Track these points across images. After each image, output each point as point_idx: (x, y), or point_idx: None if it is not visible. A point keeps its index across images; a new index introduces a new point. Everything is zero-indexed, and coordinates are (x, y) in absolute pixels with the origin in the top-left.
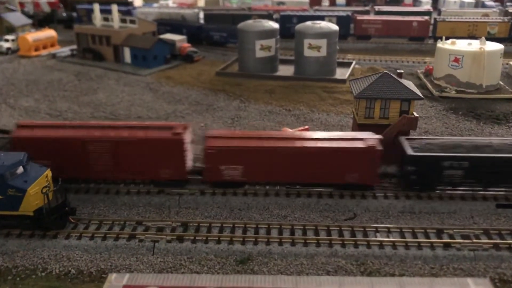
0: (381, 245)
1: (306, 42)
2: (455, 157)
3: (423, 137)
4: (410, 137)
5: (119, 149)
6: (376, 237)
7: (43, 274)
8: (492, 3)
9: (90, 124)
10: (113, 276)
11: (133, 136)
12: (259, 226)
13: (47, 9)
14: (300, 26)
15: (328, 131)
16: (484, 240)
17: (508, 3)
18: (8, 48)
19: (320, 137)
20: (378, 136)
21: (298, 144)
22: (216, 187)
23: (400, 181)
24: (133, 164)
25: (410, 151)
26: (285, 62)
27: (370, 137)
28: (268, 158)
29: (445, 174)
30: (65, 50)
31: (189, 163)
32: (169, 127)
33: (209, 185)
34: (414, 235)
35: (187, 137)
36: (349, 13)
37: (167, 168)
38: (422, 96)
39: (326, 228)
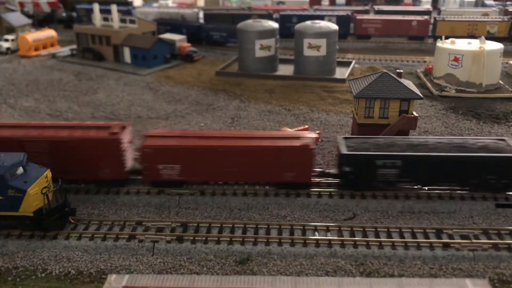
0: (380, 245)
1: (306, 41)
2: (388, 156)
3: (361, 136)
4: (348, 136)
5: (58, 149)
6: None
7: (43, 275)
8: (492, 2)
9: (31, 124)
10: (112, 277)
11: (70, 136)
12: (258, 226)
13: (47, 9)
14: (299, 26)
15: (328, 131)
16: (484, 240)
17: (508, 2)
18: (8, 48)
19: (257, 136)
20: (314, 135)
21: (235, 143)
22: (155, 187)
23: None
24: (72, 164)
25: (344, 150)
26: (285, 61)
27: (306, 136)
28: (205, 157)
29: (380, 173)
30: (65, 50)
31: (129, 162)
32: (107, 126)
33: (148, 185)
34: (414, 235)
35: (125, 136)
36: (349, 13)
37: (106, 168)
38: (422, 96)
39: (325, 228)
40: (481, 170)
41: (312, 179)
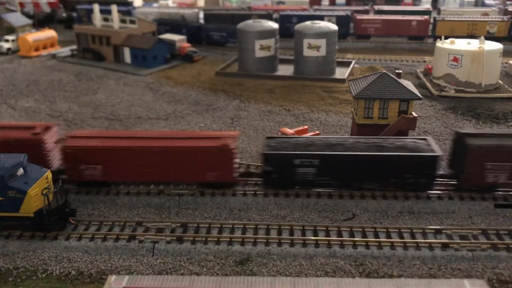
0: (379, 245)
1: (306, 41)
2: (304, 155)
3: (284, 136)
4: (272, 136)
5: None
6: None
7: (43, 275)
8: (491, 2)
9: None
10: (112, 278)
11: None
12: (258, 226)
13: (47, 9)
14: (299, 26)
15: (327, 131)
16: (482, 240)
17: (508, 2)
18: (8, 49)
19: (178, 136)
20: (235, 134)
21: (154, 143)
22: (80, 187)
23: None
24: None
25: (264, 150)
26: (284, 61)
27: (227, 136)
28: (125, 158)
29: (298, 172)
30: (65, 50)
31: (56, 163)
32: (30, 127)
33: (74, 185)
34: (413, 236)
35: (49, 137)
36: (349, 13)
37: None
38: (421, 96)
39: (325, 228)
40: (398, 169)
41: (236, 178)
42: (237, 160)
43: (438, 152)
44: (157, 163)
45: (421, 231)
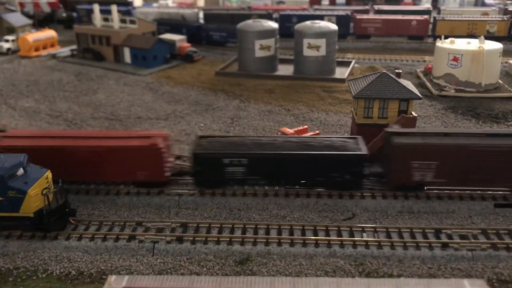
0: (379, 245)
1: (306, 41)
2: (232, 154)
3: (217, 136)
4: (205, 134)
5: None
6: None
7: (43, 275)
8: (491, 2)
9: None
10: (112, 278)
11: None
12: (258, 226)
13: (47, 9)
14: (299, 26)
15: (327, 130)
16: (482, 240)
17: (508, 1)
18: (8, 49)
19: (107, 135)
20: (165, 134)
21: (82, 143)
22: None
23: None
24: None
25: (195, 149)
26: (284, 61)
27: (157, 135)
28: (55, 158)
29: (228, 171)
30: (65, 51)
31: None
32: None
33: None
34: (413, 235)
35: None
36: (349, 12)
37: None
38: (421, 96)
39: (325, 228)
40: (325, 168)
41: (167, 177)
42: (169, 160)
43: (364, 151)
44: (88, 163)
45: (420, 230)
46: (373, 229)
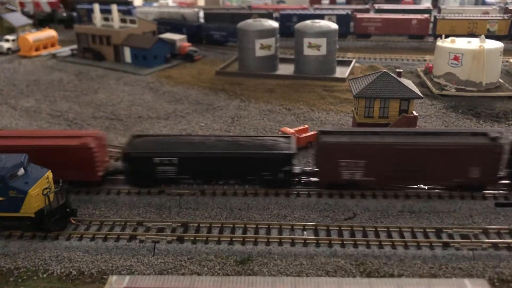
0: (380, 244)
1: (306, 41)
2: (163, 153)
3: (153, 135)
4: (141, 133)
5: None
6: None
7: (44, 275)
8: (492, 0)
9: None
10: (113, 278)
11: None
12: (259, 226)
13: (47, 9)
14: (299, 25)
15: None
16: (483, 239)
17: (509, 0)
18: (9, 49)
19: (40, 135)
20: (99, 134)
21: (12, 142)
22: None
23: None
24: None
25: (126, 149)
26: (285, 61)
27: (88, 135)
28: None
29: (159, 171)
30: (65, 50)
31: None
32: None
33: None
34: (414, 235)
35: None
36: (349, 12)
37: None
38: (421, 95)
39: (325, 228)
40: (253, 166)
41: (100, 177)
42: (104, 159)
43: (292, 150)
44: None
45: (421, 230)
46: (373, 229)
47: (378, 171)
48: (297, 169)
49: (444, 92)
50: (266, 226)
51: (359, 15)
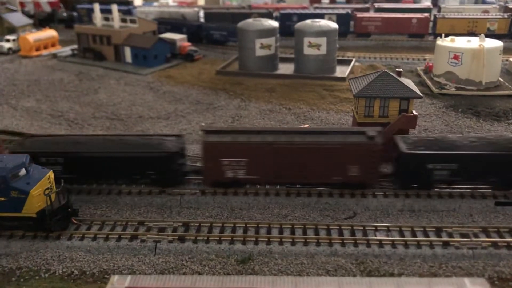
0: (380, 244)
1: (306, 40)
2: (48, 153)
3: (48, 134)
4: (36, 134)
5: None
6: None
7: (46, 275)
8: None
9: None
10: (115, 278)
11: None
12: (259, 225)
13: (47, 9)
14: (300, 25)
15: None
16: (483, 238)
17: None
18: (9, 49)
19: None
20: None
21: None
22: None
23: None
24: None
25: (15, 149)
26: (285, 60)
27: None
28: None
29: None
30: (66, 50)
31: None
32: None
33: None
34: (414, 234)
35: None
36: (349, 11)
37: None
38: (421, 95)
39: (326, 227)
40: (137, 166)
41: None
42: None
43: (173, 150)
44: None
45: (421, 229)
46: (374, 228)
47: (261, 170)
48: (187, 168)
49: (444, 91)
50: (267, 226)
51: (359, 14)
